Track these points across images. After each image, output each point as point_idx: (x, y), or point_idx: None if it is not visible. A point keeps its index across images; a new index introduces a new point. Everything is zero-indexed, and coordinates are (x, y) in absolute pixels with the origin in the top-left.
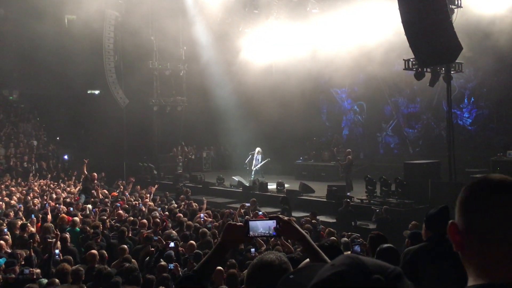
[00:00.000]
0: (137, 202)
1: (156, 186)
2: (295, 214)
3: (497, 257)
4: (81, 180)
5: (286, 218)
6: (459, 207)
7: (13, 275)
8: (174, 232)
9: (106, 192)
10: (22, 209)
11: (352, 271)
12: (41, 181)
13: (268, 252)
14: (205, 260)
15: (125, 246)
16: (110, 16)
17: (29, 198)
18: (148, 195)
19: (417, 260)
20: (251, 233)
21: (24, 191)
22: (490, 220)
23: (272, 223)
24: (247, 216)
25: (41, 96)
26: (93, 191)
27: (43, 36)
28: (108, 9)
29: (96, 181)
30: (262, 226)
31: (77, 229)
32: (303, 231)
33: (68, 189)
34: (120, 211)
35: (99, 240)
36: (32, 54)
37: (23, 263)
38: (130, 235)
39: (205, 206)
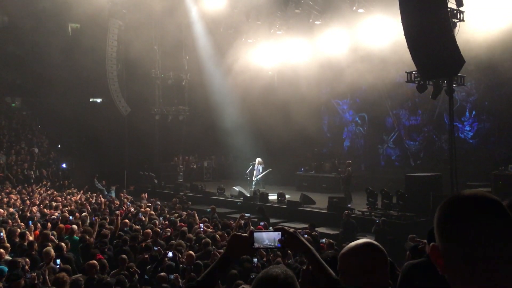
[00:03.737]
0: (134, 211)
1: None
2: (297, 225)
3: (476, 277)
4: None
5: (291, 230)
6: (436, 229)
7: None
8: (175, 241)
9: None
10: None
11: None
12: (42, 189)
13: (274, 266)
14: (208, 271)
15: (125, 256)
16: (114, 25)
17: (27, 205)
18: (149, 203)
19: (415, 275)
20: (256, 244)
21: (25, 198)
22: (467, 240)
23: (277, 235)
24: (252, 228)
25: (43, 103)
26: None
27: (46, 44)
28: (112, 18)
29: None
30: (267, 238)
31: (76, 237)
32: (308, 244)
33: (69, 197)
34: (126, 220)
35: (106, 250)
36: (35, 61)
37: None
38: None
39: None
